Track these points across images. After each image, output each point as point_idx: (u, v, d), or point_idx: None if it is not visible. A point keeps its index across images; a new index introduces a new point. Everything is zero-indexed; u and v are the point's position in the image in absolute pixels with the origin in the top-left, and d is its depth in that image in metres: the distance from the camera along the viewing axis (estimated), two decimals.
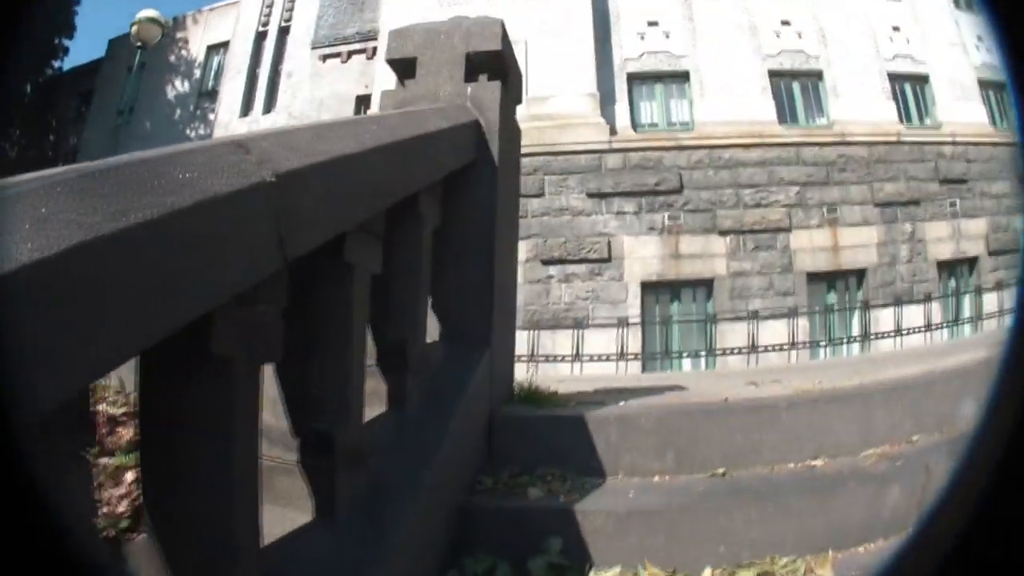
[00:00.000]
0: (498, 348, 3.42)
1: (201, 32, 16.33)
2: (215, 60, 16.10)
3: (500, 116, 3.58)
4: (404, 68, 3.66)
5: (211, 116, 15.55)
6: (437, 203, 3.11)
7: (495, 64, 3.69)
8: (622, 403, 3.50)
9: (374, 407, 2.48)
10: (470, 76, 3.59)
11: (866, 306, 14.28)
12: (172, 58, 16.46)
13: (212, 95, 15.89)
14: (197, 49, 16.34)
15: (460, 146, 3.31)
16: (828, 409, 3.15)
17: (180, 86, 16.32)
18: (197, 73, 16.25)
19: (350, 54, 14.07)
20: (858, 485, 2.62)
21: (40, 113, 19.73)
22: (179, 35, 16.47)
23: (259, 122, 14.64)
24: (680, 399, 3.84)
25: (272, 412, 1.93)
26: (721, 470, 2.82)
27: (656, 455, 2.92)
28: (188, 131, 15.76)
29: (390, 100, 3.69)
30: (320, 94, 14.14)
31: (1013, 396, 0.70)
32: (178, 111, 16.20)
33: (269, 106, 14.64)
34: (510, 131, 3.92)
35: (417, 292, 2.84)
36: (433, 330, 3.17)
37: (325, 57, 14.25)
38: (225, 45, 15.67)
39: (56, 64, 19.87)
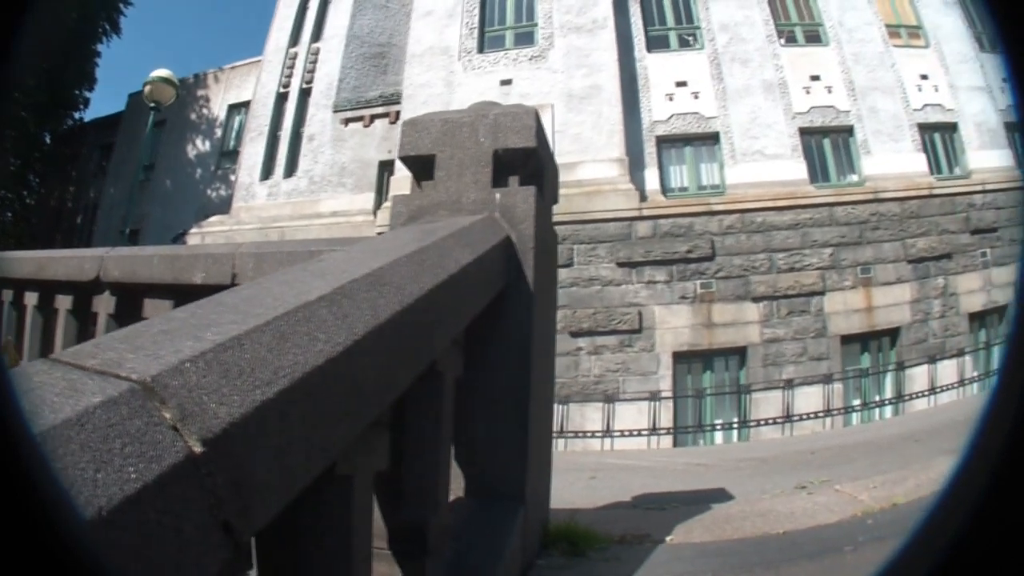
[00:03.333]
0: (533, 496, 3.01)
1: (222, 91, 16.20)
2: (236, 119, 15.97)
3: (535, 228, 3.07)
4: (421, 167, 3.20)
5: (232, 177, 15.40)
6: (459, 352, 2.61)
7: (528, 163, 3.18)
8: (669, 538, 3.43)
9: None
10: (499, 178, 3.13)
11: (900, 366, 14.03)
12: (193, 116, 16.35)
13: (233, 155, 15.75)
14: (218, 108, 16.22)
15: (489, 278, 2.76)
16: None
17: (201, 145, 16.20)
18: (218, 132, 16.13)
19: (372, 118, 13.88)
20: None
21: (61, 164, 19.68)
22: (200, 92, 16.36)
23: (280, 185, 14.49)
24: (733, 529, 3.74)
25: None
26: None
27: None
28: (209, 191, 15.65)
29: (404, 208, 3.19)
30: (342, 158, 13.94)
31: (1011, 397, 0.71)
32: (199, 170, 16.07)
33: (290, 169, 14.45)
34: (546, 243, 3.35)
35: (437, 460, 2.33)
36: (454, 481, 2.75)
37: (347, 120, 14.06)
38: (246, 105, 15.51)
39: (76, 115, 19.89)
